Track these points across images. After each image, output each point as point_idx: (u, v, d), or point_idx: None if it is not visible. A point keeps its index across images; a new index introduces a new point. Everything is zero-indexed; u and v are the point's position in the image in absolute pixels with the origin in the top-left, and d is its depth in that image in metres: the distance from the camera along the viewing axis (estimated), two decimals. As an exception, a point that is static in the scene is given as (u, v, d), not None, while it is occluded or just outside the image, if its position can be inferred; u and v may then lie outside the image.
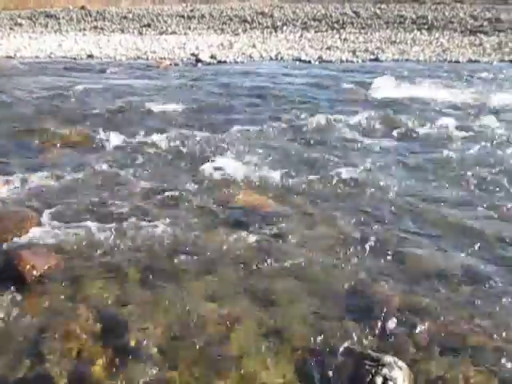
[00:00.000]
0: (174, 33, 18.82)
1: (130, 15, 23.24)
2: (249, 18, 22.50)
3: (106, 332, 2.44)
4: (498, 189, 4.16)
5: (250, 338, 2.41)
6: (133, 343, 2.36)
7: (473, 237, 3.36)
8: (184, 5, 29.16)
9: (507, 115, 6.66)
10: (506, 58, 13.23)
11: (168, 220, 3.53)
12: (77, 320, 2.49)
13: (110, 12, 24.39)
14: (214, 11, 24.54)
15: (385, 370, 2.05)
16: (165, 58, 12.59)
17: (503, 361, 2.25)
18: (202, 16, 23.17)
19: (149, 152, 5.08)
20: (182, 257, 3.09)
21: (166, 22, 21.63)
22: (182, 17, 23.09)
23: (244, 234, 3.36)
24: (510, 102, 7.38)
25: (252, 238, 3.30)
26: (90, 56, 13.20)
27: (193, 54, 12.94)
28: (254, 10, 25.55)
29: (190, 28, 20.18)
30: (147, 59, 12.71)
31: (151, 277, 2.89)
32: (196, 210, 3.75)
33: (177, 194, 3.98)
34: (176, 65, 11.79)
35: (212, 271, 2.96)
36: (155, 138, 5.43)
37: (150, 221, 3.52)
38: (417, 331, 2.43)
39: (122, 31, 19.39)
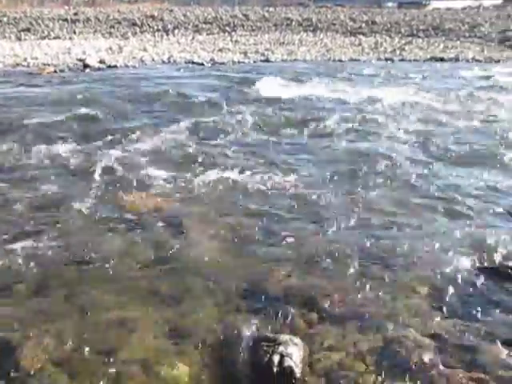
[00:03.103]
0: (57, 37, 17.73)
1: (5, 19, 21.44)
2: (138, 22, 21.98)
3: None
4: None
5: (154, 339, 2.40)
6: (27, 362, 2.23)
7: (357, 216, 3.68)
8: (66, 7, 27.59)
9: (384, 108, 7.38)
10: (382, 57, 14.52)
11: (62, 232, 3.38)
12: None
13: (-20, 16, 22.27)
14: (100, 15, 23.56)
15: (281, 348, 2.17)
16: (48, 65, 11.81)
17: (388, 326, 2.49)
18: (88, 19, 22.14)
19: (33, 167, 4.70)
20: (78, 267, 2.98)
21: (47, 26, 20.29)
22: (66, 20, 21.84)
23: (142, 236, 3.33)
24: (388, 95, 8.18)
25: (151, 240, 3.28)
26: (-41, 64, 11.94)
27: (79, 60, 12.30)
28: (143, 13, 24.99)
29: (75, 32, 19.17)
30: (28, 66, 11.82)
31: (46, 291, 2.75)
32: (90, 218, 3.62)
33: (69, 204, 3.80)
34: (61, 71, 11.13)
35: (111, 277, 2.88)
36: (36, 153, 5.02)
37: (42, 235, 3.32)
38: (310, 309, 2.61)
39: (-3, 36, 17.82)
